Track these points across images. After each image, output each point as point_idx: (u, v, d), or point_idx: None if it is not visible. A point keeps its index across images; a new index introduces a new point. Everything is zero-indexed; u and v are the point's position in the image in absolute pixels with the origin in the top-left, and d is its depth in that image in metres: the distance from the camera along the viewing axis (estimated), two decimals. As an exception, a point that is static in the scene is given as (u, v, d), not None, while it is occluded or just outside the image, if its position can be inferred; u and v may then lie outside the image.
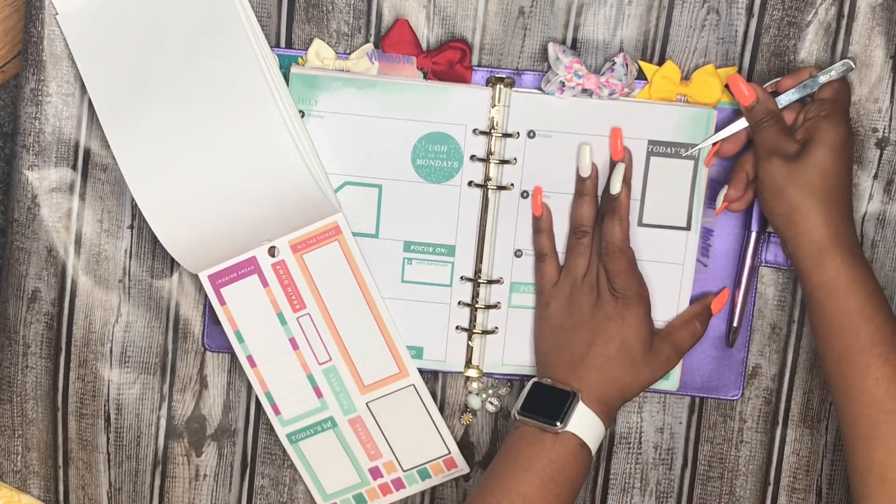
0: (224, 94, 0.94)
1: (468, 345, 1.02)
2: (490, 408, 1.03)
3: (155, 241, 1.01)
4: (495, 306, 1.01)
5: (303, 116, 0.98)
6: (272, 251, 0.99)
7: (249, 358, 1.00)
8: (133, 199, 1.00)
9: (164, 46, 0.95)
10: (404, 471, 1.02)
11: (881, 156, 1.00)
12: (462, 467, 1.03)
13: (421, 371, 1.02)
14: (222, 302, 0.99)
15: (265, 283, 0.99)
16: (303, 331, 1.00)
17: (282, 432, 1.01)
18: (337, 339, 1.00)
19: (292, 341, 1.00)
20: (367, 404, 1.01)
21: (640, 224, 0.99)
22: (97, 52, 0.97)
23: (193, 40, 0.95)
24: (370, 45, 0.99)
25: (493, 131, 0.99)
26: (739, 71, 0.99)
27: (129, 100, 0.95)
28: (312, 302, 0.99)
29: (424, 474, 1.03)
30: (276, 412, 1.01)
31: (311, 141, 0.98)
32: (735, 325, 1.01)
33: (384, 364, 1.00)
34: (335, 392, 1.00)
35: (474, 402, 1.03)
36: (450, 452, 1.02)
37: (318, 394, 1.00)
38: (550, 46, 0.97)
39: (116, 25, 0.96)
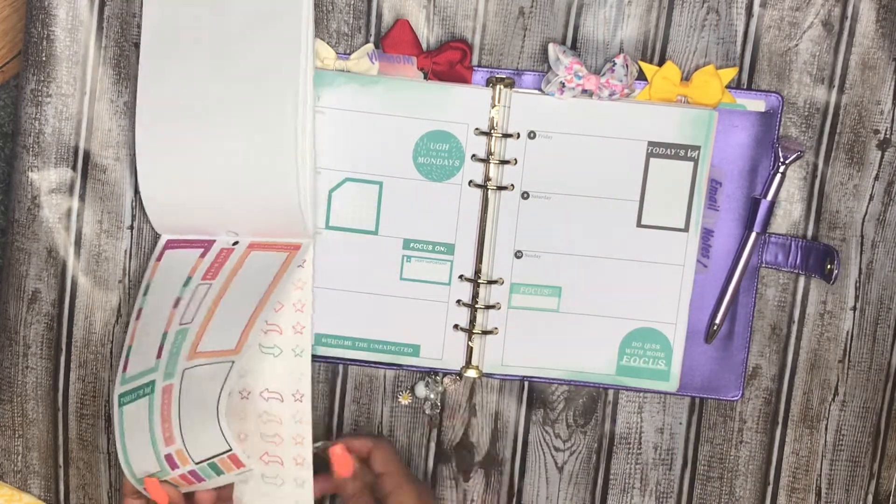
0: (257, 82, 0.95)
1: (468, 345, 1.02)
2: (428, 409, 1.03)
3: (155, 241, 1.01)
4: (495, 307, 1.01)
5: (303, 113, 0.99)
6: (234, 242, 0.99)
7: (139, 310, 0.97)
8: (133, 200, 1.00)
9: (224, 15, 0.96)
10: (196, 463, 0.91)
11: (882, 157, 1.00)
12: (247, 466, 0.92)
13: (418, 369, 1.02)
14: (158, 258, 0.99)
15: (203, 256, 0.98)
16: (192, 294, 0.96)
17: (116, 392, 0.94)
18: (211, 309, 0.95)
19: (177, 300, 0.97)
20: (184, 370, 0.92)
21: (640, 225, 0.99)
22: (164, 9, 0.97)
23: (251, 19, 0.95)
24: (370, 46, 0.99)
25: (493, 132, 0.98)
26: (740, 71, 0.99)
27: (172, 54, 0.96)
28: (222, 279, 0.96)
29: (217, 469, 0.91)
30: (124, 369, 0.95)
31: (315, 160, 0.98)
32: (717, 322, 1.01)
33: (228, 337, 0.93)
34: (171, 353, 0.93)
35: (420, 390, 1.03)
36: (231, 449, 0.90)
37: (159, 353, 0.94)
38: (551, 47, 0.97)
39: None
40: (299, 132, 0.95)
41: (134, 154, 0.99)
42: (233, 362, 0.92)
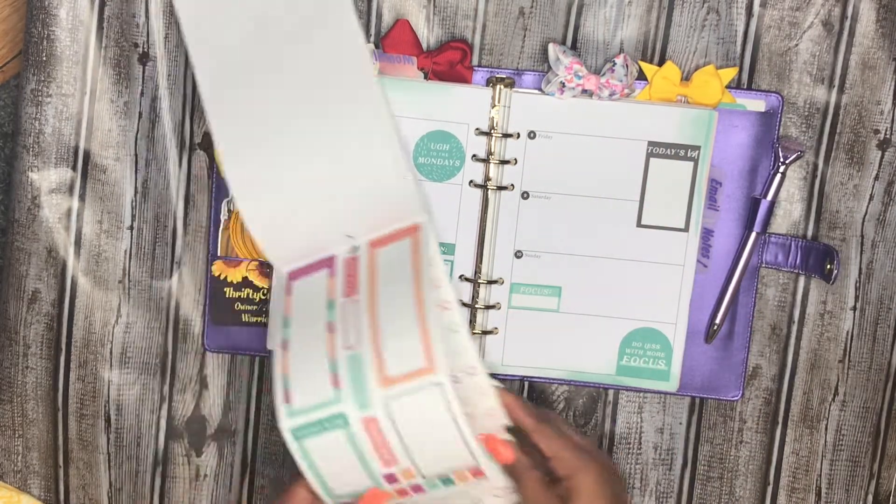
0: (330, 79, 0.93)
1: (468, 345, 1.02)
2: None
3: (154, 241, 1.01)
4: (495, 307, 1.01)
5: (304, 113, 0.98)
6: (352, 249, 0.95)
7: (286, 342, 0.92)
8: (133, 200, 1.00)
9: (270, 28, 0.93)
10: (424, 477, 0.89)
11: (882, 157, 1.00)
12: (491, 477, 0.90)
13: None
14: (288, 293, 0.95)
15: (332, 275, 0.94)
16: (345, 314, 0.91)
17: (287, 425, 0.89)
18: (372, 328, 0.89)
19: (330, 325, 0.91)
20: (385, 401, 0.88)
21: (639, 225, 0.99)
22: (207, 32, 0.94)
23: (300, 24, 0.93)
24: (371, 46, 0.99)
25: (493, 131, 0.98)
26: (740, 71, 0.99)
27: (234, 79, 0.94)
28: (365, 288, 0.92)
29: (448, 482, 0.90)
30: (286, 400, 0.89)
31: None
32: (717, 322, 1.01)
33: (412, 355, 0.87)
34: (353, 381, 0.88)
35: None
36: (478, 463, 0.88)
37: (335, 382, 0.88)
38: (551, 47, 0.97)
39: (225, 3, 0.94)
40: (385, 107, 0.93)
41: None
42: (441, 385, 0.87)
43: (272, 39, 0.93)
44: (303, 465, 0.89)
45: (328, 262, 0.95)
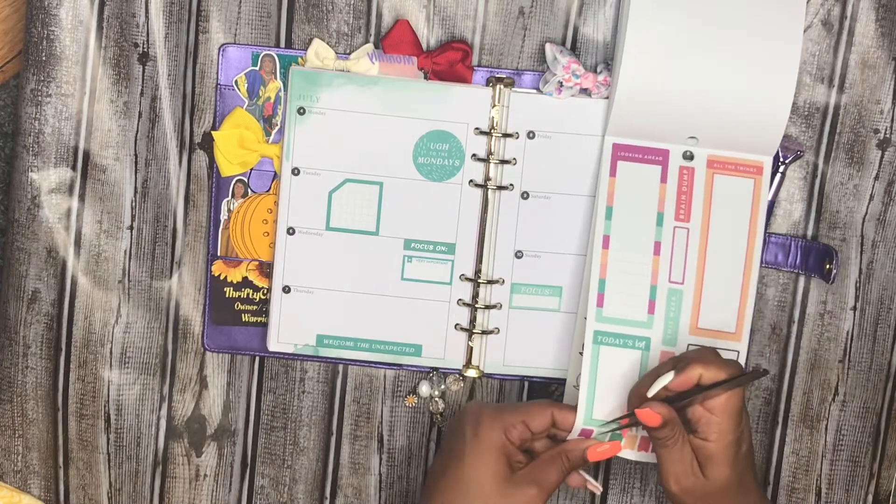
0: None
1: (468, 345, 1.02)
2: (432, 406, 1.03)
3: (154, 241, 1.02)
4: (495, 307, 1.01)
5: (303, 113, 0.98)
6: (687, 154, 0.96)
7: (606, 237, 0.95)
8: (132, 200, 1.00)
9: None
10: None
11: (882, 157, 1.00)
12: None
13: (420, 369, 1.02)
14: (612, 173, 0.96)
15: (664, 179, 0.95)
16: (673, 241, 0.95)
17: (591, 326, 0.94)
18: (699, 269, 0.95)
19: (657, 245, 0.95)
20: (686, 345, 0.94)
21: (642, 225, 1.00)
22: None
23: None
24: (370, 46, 0.99)
25: (493, 131, 0.99)
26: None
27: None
28: (697, 221, 0.95)
29: None
30: (599, 303, 0.95)
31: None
32: None
33: (725, 317, 0.95)
34: (667, 316, 0.95)
35: (424, 389, 1.03)
36: None
37: (651, 309, 0.95)
38: (548, 47, 0.97)
39: None
40: (797, 55, 0.94)
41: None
42: (737, 354, 0.95)
43: None
44: (585, 373, 0.94)
45: (660, 158, 0.95)
